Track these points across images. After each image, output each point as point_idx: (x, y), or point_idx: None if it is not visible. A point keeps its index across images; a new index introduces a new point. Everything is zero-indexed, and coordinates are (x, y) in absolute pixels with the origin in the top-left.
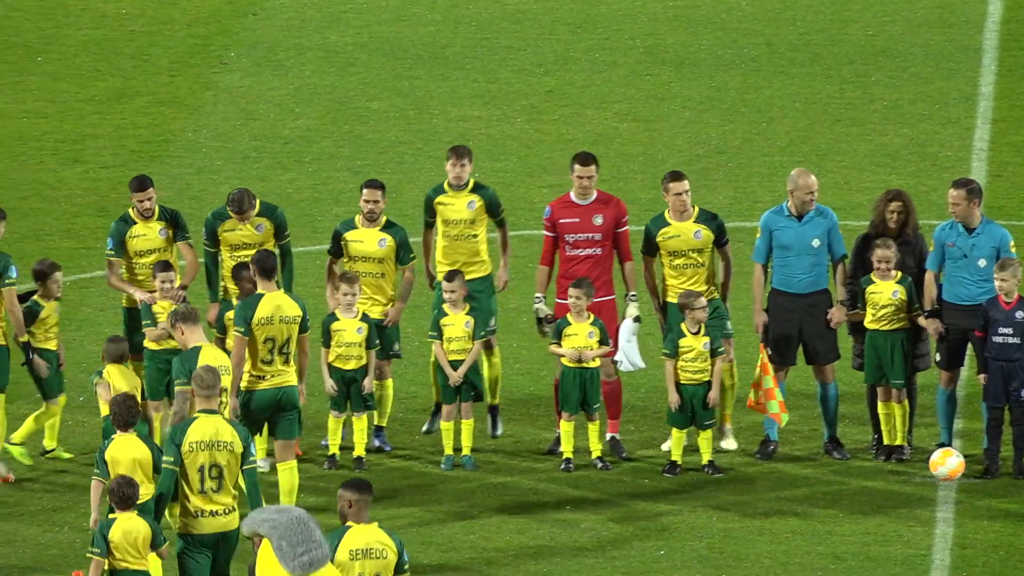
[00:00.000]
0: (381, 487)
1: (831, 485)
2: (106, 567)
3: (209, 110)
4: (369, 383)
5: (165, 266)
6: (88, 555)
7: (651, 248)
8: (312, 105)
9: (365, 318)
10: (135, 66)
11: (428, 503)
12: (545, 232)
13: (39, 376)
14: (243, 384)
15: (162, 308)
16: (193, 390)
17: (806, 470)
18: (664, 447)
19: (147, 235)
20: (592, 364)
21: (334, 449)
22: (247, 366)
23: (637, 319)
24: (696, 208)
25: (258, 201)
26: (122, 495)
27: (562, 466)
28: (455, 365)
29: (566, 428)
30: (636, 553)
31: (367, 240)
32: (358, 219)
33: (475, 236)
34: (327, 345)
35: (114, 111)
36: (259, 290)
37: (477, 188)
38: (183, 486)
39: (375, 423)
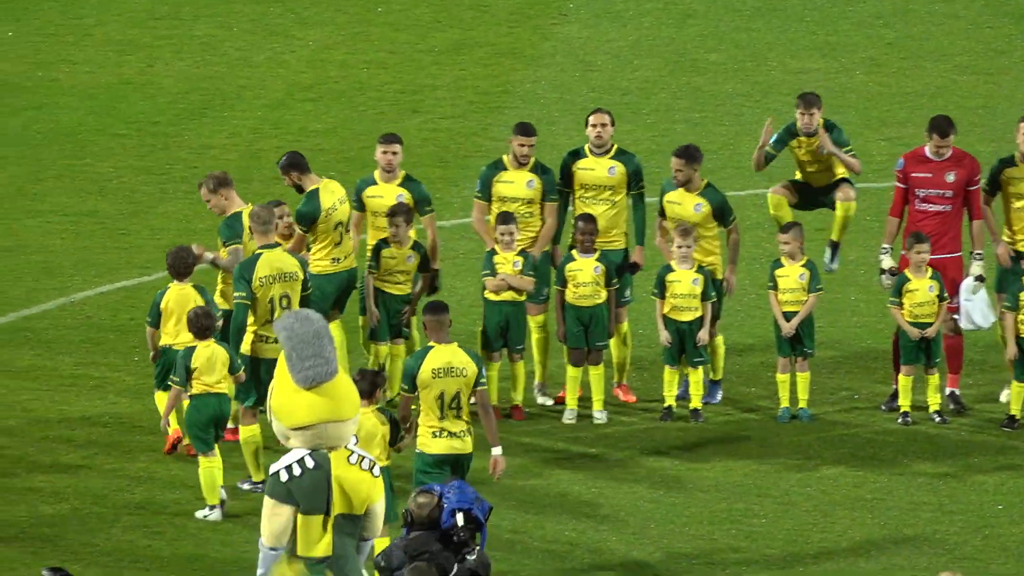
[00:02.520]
0: (718, 439)
1: None
2: (186, 392)
3: (548, 61)
4: (705, 334)
5: (506, 218)
6: (169, 383)
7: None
8: (650, 57)
9: (701, 270)
10: (474, 17)
11: (765, 455)
12: (896, 184)
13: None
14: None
15: (503, 259)
16: (251, 228)
17: None
18: (1003, 398)
19: (515, 182)
20: (930, 320)
21: (670, 401)
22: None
23: (979, 278)
24: None
25: (615, 144)
26: (200, 325)
27: (899, 419)
28: (788, 316)
29: (904, 382)
30: (974, 508)
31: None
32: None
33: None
34: (662, 296)
35: (453, 62)
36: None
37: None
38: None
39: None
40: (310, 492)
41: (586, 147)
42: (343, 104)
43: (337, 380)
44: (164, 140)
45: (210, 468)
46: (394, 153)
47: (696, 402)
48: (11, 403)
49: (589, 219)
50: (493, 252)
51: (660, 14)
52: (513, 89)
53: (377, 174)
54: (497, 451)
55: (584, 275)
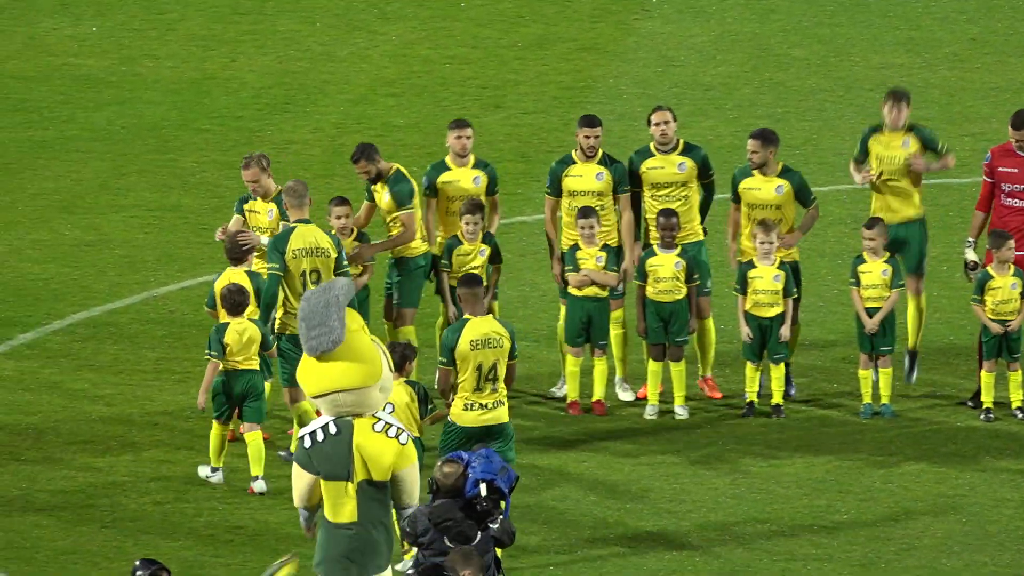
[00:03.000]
0: (799, 435)
1: None
2: (221, 368)
3: (630, 56)
4: (786, 330)
5: (586, 212)
6: (206, 357)
7: None
8: (733, 52)
9: (783, 266)
10: (557, 12)
11: (846, 452)
12: (984, 178)
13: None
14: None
15: (587, 255)
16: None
17: None
18: None
19: (583, 176)
20: (1012, 318)
21: (751, 396)
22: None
23: None
24: None
25: (681, 140)
26: (233, 302)
27: (982, 416)
28: (871, 313)
29: (986, 379)
30: None
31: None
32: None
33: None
34: (744, 292)
35: (536, 57)
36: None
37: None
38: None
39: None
40: (331, 458)
41: (651, 145)
42: (426, 99)
43: (349, 348)
44: (247, 135)
45: (221, 436)
46: (467, 137)
47: (777, 398)
48: (95, 397)
49: (670, 214)
50: (576, 247)
51: (743, 9)
52: (595, 84)
53: (449, 159)
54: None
55: (665, 270)
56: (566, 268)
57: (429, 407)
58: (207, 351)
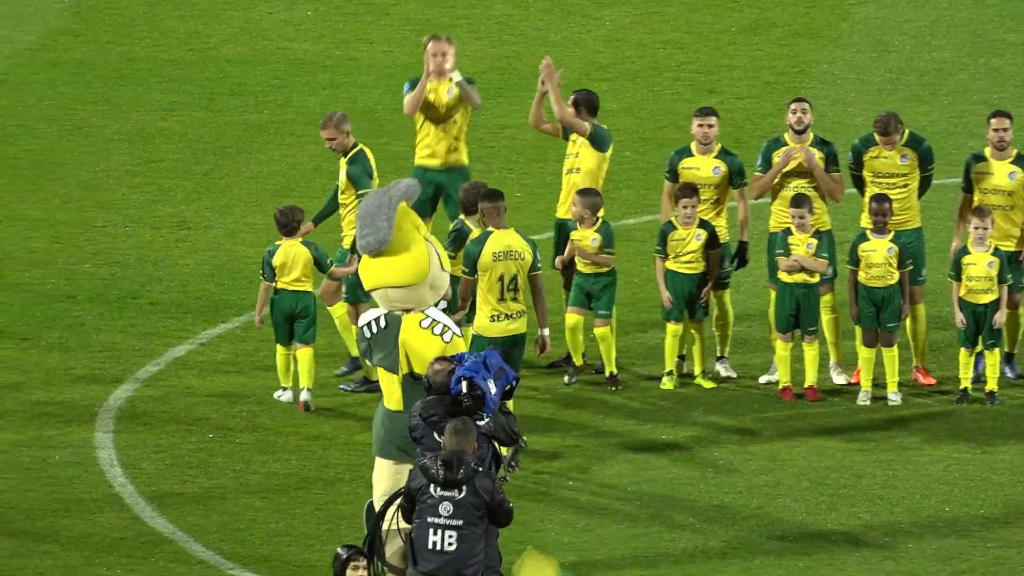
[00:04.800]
0: (1014, 422)
1: None
2: (274, 288)
3: (845, 41)
4: (1001, 316)
5: (798, 200)
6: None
7: None
8: (948, 37)
9: (997, 252)
10: None
11: None
12: None
13: None
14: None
15: (798, 241)
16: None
17: None
18: None
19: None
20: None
21: (965, 383)
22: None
23: None
24: None
25: (907, 131)
26: (282, 222)
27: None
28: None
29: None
30: None
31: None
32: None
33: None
34: (958, 279)
35: (750, 42)
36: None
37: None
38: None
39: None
40: (381, 349)
41: (874, 134)
42: (639, 84)
43: (399, 247)
44: None
45: (285, 355)
46: (710, 126)
47: (992, 384)
48: None
49: (882, 199)
50: (787, 232)
51: None
52: (809, 70)
53: (694, 146)
54: (545, 332)
55: (877, 256)
56: (776, 252)
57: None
58: (261, 273)
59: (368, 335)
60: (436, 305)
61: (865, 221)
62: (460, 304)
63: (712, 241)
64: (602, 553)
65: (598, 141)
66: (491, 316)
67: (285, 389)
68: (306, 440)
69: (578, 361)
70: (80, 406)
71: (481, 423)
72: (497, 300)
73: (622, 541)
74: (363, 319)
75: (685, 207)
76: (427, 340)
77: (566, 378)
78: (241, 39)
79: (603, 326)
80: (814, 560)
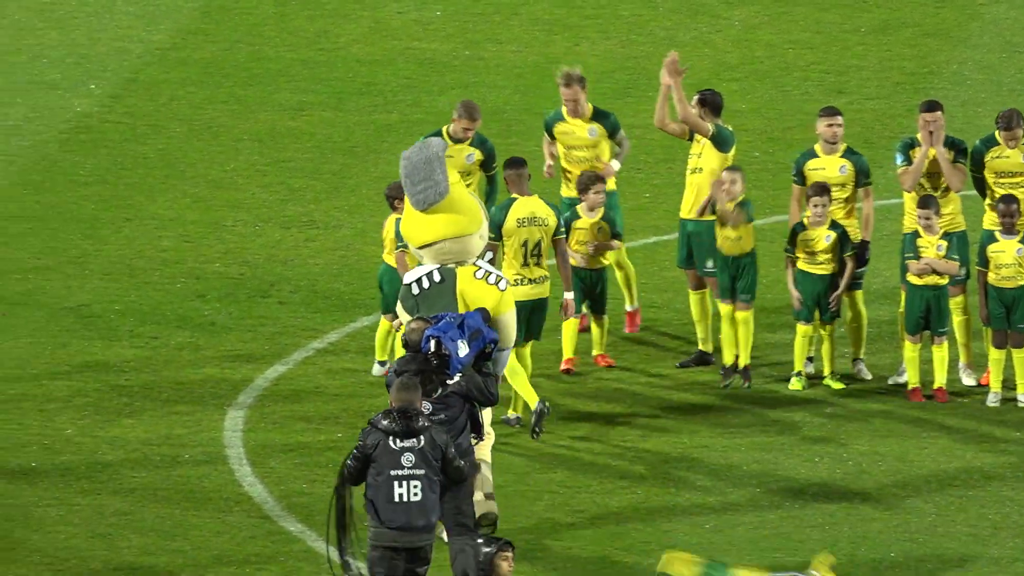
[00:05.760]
0: None
1: None
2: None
3: (975, 42)
4: None
5: (926, 202)
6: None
7: None
8: None
9: None
10: None
11: None
12: None
13: None
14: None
15: (927, 243)
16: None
17: None
18: None
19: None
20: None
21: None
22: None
23: None
24: None
25: None
26: (390, 197)
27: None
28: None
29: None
30: None
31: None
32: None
33: None
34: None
35: (879, 42)
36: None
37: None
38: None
39: None
40: (436, 303)
41: (996, 134)
42: (768, 84)
43: (452, 199)
44: None
45: (389, 329)
46: (838, 125)
47: None
48: None
49: (1010, 200)
50: (916, 235)
51: None
52: (939, 70)
53: (818, 147)
54: (569, 295)
55: (1006, 256)
56: (906, 256)
57: None
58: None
59: (417, 291)
60: (482, 257)
61: (990, 222)
62: None
63: (843, 243)
64: (731, 554)
65: (720, 141)
66: (515, 280)
67: (382, 363)
68: None
69: (729, 360)
70: (209, 405)
71: (450, 382)
72: (521, 265)
73: (750, 542)
74: (409, 276)
75: (816, 206)
76: (484, 289)
77: (725, 381)
78: (370, 39)
79: (745, 310)
80: (944, 562)
